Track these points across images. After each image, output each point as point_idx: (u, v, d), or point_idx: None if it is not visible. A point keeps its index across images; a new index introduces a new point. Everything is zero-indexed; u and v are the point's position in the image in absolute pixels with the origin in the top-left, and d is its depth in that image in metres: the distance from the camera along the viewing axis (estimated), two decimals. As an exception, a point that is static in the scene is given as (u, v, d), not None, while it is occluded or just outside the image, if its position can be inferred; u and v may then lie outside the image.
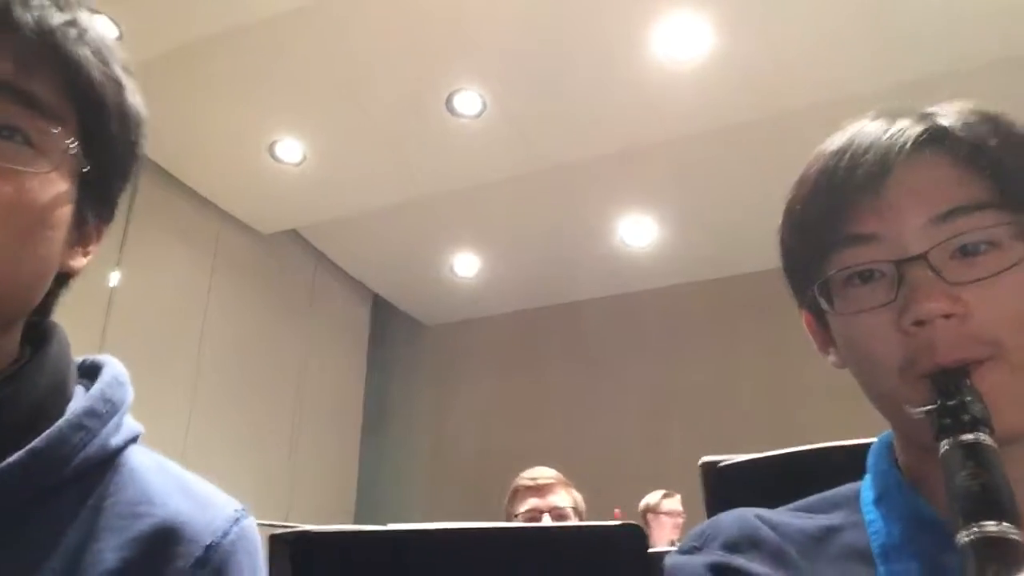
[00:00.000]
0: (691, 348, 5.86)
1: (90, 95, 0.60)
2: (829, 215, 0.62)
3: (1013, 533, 0.46)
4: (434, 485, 6.23)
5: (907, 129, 0.61)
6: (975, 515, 0.47)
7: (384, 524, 1.16)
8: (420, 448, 6.43)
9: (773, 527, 0.64)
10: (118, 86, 0.62)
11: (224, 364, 5.24)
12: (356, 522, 5.93)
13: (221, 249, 5.41)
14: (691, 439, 5.37)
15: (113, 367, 0.68)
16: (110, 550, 0.57)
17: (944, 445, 0.52)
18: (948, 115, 0.61)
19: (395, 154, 4.91)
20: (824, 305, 0.64)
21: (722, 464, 1.07)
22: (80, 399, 0.63)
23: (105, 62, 0.61)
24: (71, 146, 0.59)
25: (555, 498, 2.04)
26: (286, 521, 5.05)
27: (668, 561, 0.65)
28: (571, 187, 5.28)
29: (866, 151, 0.61)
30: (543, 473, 2.11)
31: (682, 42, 4.04)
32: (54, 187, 0.58)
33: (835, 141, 0.64)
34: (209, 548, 0.60)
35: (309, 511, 5.53)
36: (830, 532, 0.64)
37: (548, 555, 0.97)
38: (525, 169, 5.05)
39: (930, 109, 0.63)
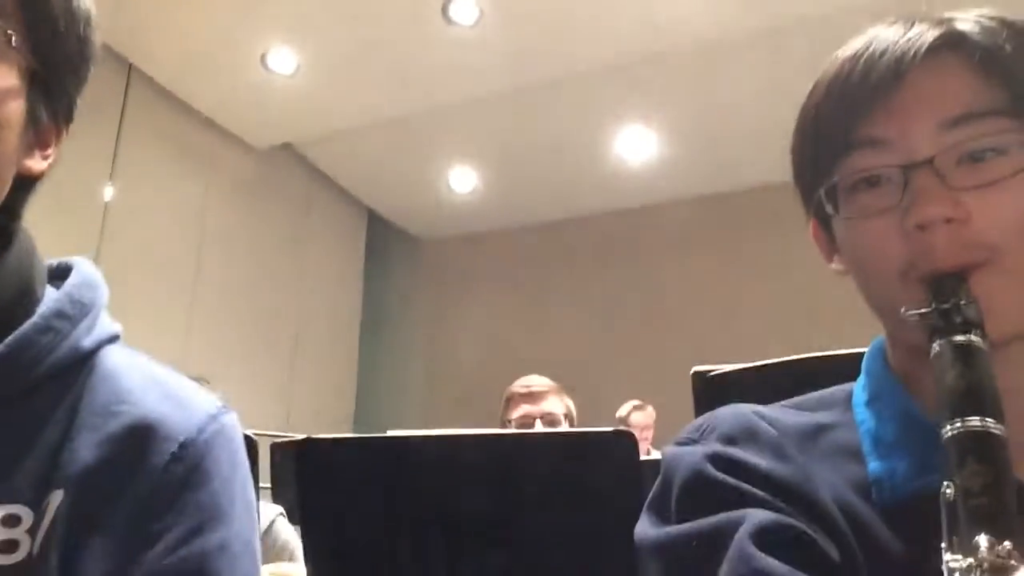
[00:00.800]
0: (690, 263, 5.89)
1: None
2: (841, 119, 0.62)
3: (995, 428, 0.48)
4: (431, 395, 6.35)
5: (923, 33, 0.60)
6: (959, 411, 0.49)
7: (383, 432, 1.19)
8: (417, 360, 6.52)
9: (770, 422, 0.65)
10: None
11: (221, 277, 5.27)
12: (354, 431, 6.07)
13: (215, 163, 5.36)
14: (689, 352, 5.45)
15: (83, 267, 0.67)
16: (85, 448, 0.58)
17: (936, 346, 0.54)
18: (966, 20, 0.61)
19: (390, 64, 4.82)
20: (830, 210, 0.64)
21: (713, 373, 1.10)
22: (49, 301, 0.63)
23: None
24: (13, 37, 0.58)
25: (547, 404, 2.10)
26: (285, 430, 5.17)
27: (666, 451, 0.67)
28: (569, 100, 5.20)
29: (881, 55, 0.60)
30: (536, 381, 2.16)
31: (684, -52, 3.92)
32: (1, 80, 0.58)
33: (852, 46, 0.63)
34: (184, 444, 0.60)
35: (308, 420, 5.65)
36: (821, 429, 0.66)
37: (544, 459, 1.01)
38: (522, 81, 4.97)
39: (948, 14, 0.62)
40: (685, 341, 5.53)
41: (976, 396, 0.50)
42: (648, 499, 0.65)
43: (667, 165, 5.72)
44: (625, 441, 0.96)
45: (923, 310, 0.56)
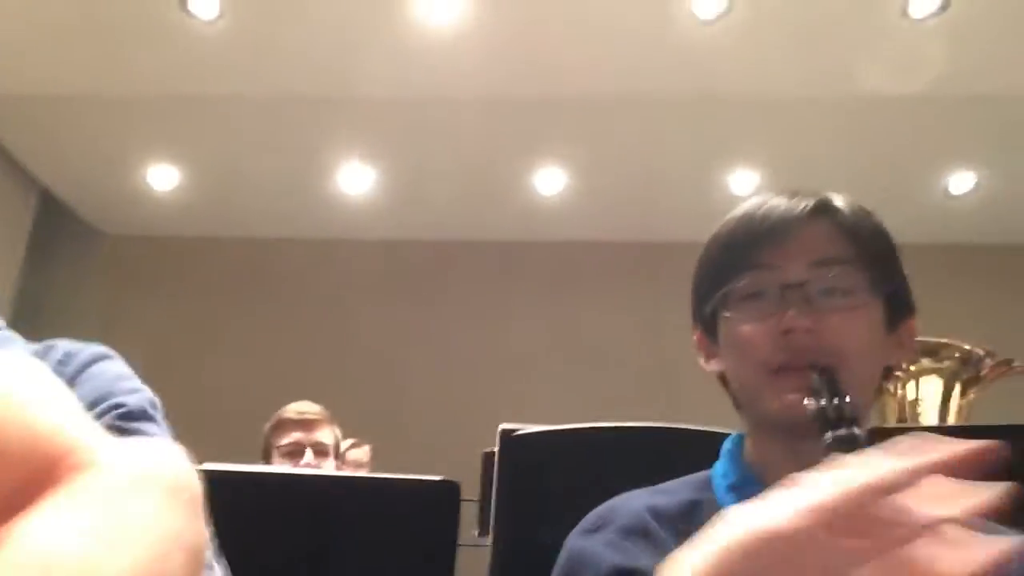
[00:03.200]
0: (385, 304, 6.00)
1: None
2: (744, 248, 0.85)
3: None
4: (85, 407, 5.68)
5: (807, 199, 0.86)
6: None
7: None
8: (75, 366, 5.81)
9: (656, 515, 0.81)
10: None
11: None
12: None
13: None
14: (365, 392, 5.53)
15: None
16: None
17: (828, 436, 0.71)
18: (837, 198, 0.87)
19: (102, 40, 4.38)
20: (722, 311, 0.85)
21: (519, 432, 1.18)
22: None
23: None
24: None
25: (320, 434, 2.07)
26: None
27: (571, 542, 0.78)
28: (297, 121, 5.10)
29: (775, 208, 0.85)
30: (309, 408, 2.12)
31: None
32: None
33: (749, 204, 0.88)
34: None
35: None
36: (693, 506, 0.82)
37: (366, 502, 1.01)
38: (251, 90, 4.78)
39: (824, 193, 0.88)
40: (362, 381, 5.60)
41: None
42: None
43: (383, 204, 5.80)
44: (450, 490, 1.01)
45: (817, 406, 0.72)
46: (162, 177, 5.68)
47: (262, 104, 4.91)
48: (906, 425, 1.78)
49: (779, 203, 0.84)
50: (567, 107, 4.88)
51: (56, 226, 6.01)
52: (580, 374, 5.56)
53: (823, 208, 0.84)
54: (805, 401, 0.74)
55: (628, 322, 5.60)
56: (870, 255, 0.83)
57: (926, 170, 5.29)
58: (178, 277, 6.08)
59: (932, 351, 2.13)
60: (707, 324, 0.88)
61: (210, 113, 5.04)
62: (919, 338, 2.14)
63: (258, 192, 5.72)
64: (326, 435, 2.10)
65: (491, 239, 5.98)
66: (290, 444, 2.05)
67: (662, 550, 0.74)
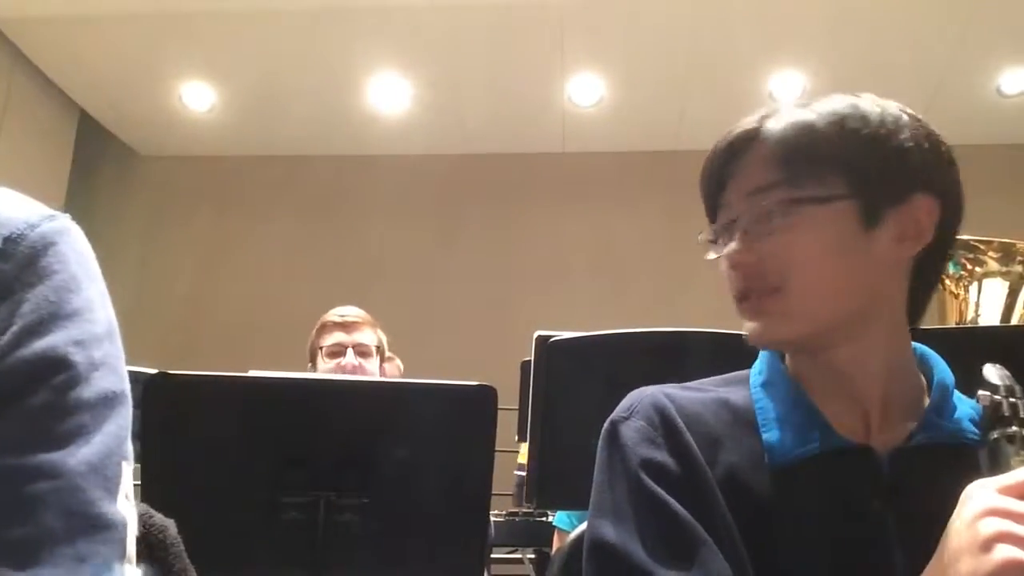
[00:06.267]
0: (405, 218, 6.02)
1: None
2: (705, 193, 0.89)
3: None
4: (135, 326, 5.84)
5: (736, 131, 0.85)
6: None
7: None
8: (123, 284, 5.96)
9: (679, 409, 0.83)
10: None
11: None
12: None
13: None
14: (395, 302, 5.60)
15: None
16: None
17: (998, 433, 0.73)
18: (773, 117, 0.84)
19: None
20: (713, 252, 0.88)
21: (555, 339, 1.20)
22: None
23: None
24: None
25: (360, 335, 2.16)
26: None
27: (607, 430, 0.82)
28: (331, 35, 5.03)
29: (715, 149, 0.86)
30: (351, 311, 2.23)
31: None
32: None
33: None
34: (11, 239, 0.51)
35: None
36: (724, 403, 0.85)
37: (405, 408, 1.04)
38: (283, 4, 4.71)
39: (764, 113, 0.85)
40: (396, 294, 5.67)
41: None
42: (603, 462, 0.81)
43: (419, 119, 5.75)
44: (487, 395, 1.03)
45: (995, 398, 0.75)
46: (198, 96, 5.67)
47: (286, 15, 4.83)
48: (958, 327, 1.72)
49: (723, 140, 0.85)
50: (600, 10, 4.75)
51: (96, 149, 6.08)
52: (612, 282, 5.59)
53: (749, 136, 0.84)
54: (980, 392, 0.74)
55: (660, 230, 5.55)
56: (809, 164, 0.80)
57: (978, 70, 5.08)
58: (215, 196, 6.13)
59: (1004, 252, 2.04)
60: None
61: (243, 29, 4.99)
62: (984, 238, 2.07)
63: (294, 109, 5.68)
64: (367, 336, 2.19)
65: (523, 151, 5.94)
66: (332, 345, 2.16)
67: (679, 441, 0.81)
